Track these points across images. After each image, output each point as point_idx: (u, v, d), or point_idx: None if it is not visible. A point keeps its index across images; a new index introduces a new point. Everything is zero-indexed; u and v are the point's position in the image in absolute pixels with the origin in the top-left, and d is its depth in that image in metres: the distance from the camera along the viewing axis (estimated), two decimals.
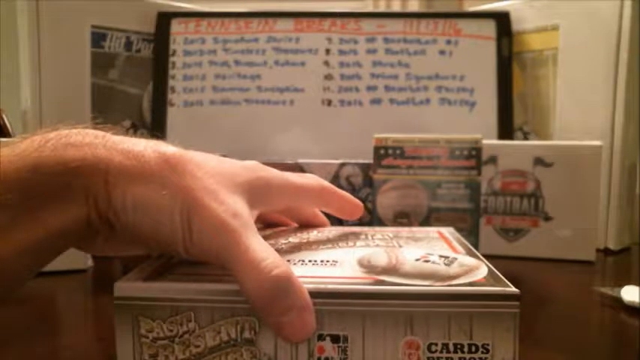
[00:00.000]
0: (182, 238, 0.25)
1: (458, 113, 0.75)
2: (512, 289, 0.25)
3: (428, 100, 0.75)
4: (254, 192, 0.29)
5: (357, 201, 0.36)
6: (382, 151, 0.53)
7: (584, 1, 0.66)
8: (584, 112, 0.66)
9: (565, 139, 0.66)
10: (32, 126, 0.70)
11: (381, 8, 2.44)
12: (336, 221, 0.56)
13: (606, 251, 0.63)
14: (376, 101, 0.76)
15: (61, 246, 0.26)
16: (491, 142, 0.60)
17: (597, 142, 0.57)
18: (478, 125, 0.73)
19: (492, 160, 0.59)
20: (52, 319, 0.41)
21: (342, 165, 0.58)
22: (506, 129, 0.74)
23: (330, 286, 0.25)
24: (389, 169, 0.53)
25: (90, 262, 0.54)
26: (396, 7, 2.44)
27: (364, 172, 0.58)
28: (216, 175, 0.27)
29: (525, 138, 0.74)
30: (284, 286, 0.24)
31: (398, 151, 0.53)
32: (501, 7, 0.77)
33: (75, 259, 0.52)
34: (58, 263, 0.51)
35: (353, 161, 0.58)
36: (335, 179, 0.58)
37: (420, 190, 0.52)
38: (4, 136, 0.76)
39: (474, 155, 0.52)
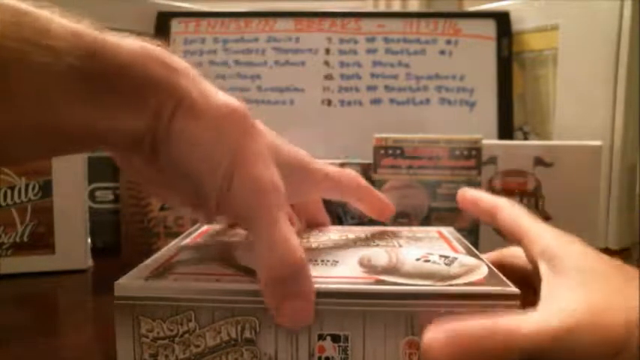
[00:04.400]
0: (219, 189, 0.25)
1: (458, 113, 0.75)
2: (512, 288, 0.25)
3: (428, 100, 0.75)
4: (295, 180, 0.30)
5: (389, 202, 0.37)
6: (382, 151, 0.53)
7: (584, 1, 0.66)
8: (584, 112, 0.66)
9: (565, 139, 0.66)
10: None
11: (381, 8, 2.44)
12: (336, 220, 0.56)
13: (606, 251, 0.63)
14: (376, 101, 0.76)
15: (107, 143, 0.26)
16: (491, 142, 0.60)
17: (597, 142, 0.57)
18: (478, 125, 0.73)
19: (492, 160, 0.59)
20: (52, 319, 0.42)
21: (342, 165, 0.58)
22: (506, 129, 0.74)
23: (330, 286, 0.25)
24: (389, 169, 0.53)
25: (90, 262, 0.54)
26: (396, 7, 2.44)
27: (364, 172, 0.58)
28: (270, 149, 0.28)
29: (525, 138, 0.74)
30: (299, 271, 0.24)
31: (398, 151, 0.53)
32: (501, 7, 0.77)
33: (75, 259, 0.52)
34: (58, 263, 0.51)
35: (353, 161, 0.58)
36: None
37: (420, 190, 0.52)
38: None
39: (474, 155, 0.52)
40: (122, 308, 0.25)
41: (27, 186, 0.51)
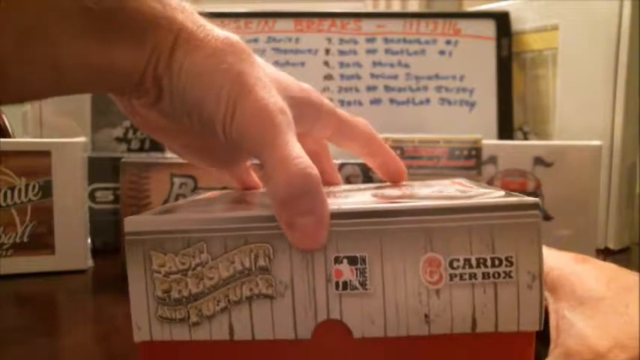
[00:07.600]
0: (223, 116, 0.25)
1: (458, 113, 0.75)
2: (531, 198, 0.24)
3: (428, 100, 0.75)
4: (302, 109, 0.29)
5: (403, 166, 0.35)
6: None
7: (584, 1, 0.66)
8: (584, 112, 0.66)
9: (565, 139, 0.66)
10: (32, 126, 0.70)
11: (381, 8, 2.45)
12: None
13: (606, 251, 0.63)
14: (376, 101, 0.76)
15: (108, 83, 0.26)
16: (491, 142, 0.60)
17: (597, 142, 0.57)
18: (478, 125, 0.73)
19: (492, 160, 0.59)
20: (52, 319, 0.42)
21: (342, 165, 0.58)
22: (506, 129, 0.74)
23: (344, 207, 0.24)
24: None
25: (90, 263, 0.54)
26: (396, 7, 2.45)
27: (364, 172, 0.58)
28: (272, 79, 0.27)
29: (525, 138, 0.74)
30: (312, 187, 0.23)
31: (398, 151, 0.53)
32: (501, 7, 0.77)
33: (75, 259, 0.52)
34: (58, 263, 0.51)
35: (353, 161, 0.58)
36: None
37: None
38: (4, 137, 0.76)
39: (474, 155, 0.52)
40: (133, 244, 0.24)
41: (27, 186, 0.51)
